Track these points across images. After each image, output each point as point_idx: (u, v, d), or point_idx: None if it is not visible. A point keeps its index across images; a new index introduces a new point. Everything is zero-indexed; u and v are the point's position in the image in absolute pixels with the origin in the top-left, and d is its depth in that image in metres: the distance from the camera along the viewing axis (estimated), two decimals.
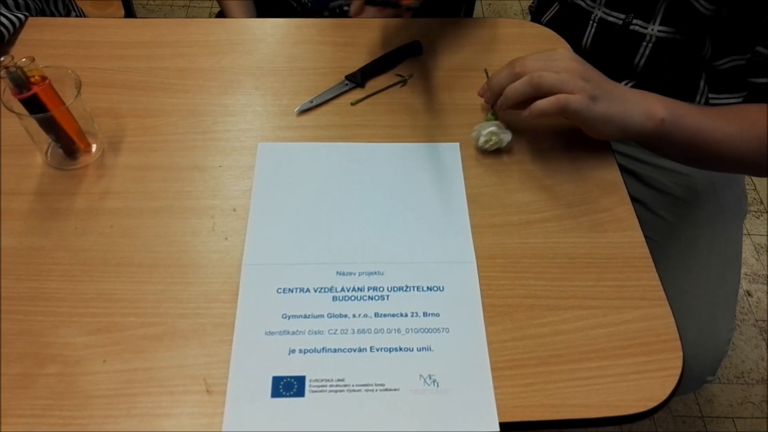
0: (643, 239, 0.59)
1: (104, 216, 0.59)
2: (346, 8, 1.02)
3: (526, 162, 0.65)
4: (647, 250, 0.58)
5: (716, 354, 0.73)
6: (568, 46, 0.76)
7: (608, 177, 0.64)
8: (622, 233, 0.59)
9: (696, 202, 0.82)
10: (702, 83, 0.79)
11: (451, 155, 0.65)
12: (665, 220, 0.83)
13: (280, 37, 0.77)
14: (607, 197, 0.62)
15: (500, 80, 0.63)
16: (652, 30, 0.75)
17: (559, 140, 0.67)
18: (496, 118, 0.66)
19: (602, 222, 0.60)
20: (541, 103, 0.59)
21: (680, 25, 0.75)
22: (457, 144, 0.66)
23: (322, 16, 1.02)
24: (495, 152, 0.65)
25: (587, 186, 0.63)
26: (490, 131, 0.64)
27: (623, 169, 0.87)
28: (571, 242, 0.58)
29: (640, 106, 0.60)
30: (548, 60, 0.61)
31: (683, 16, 0.73)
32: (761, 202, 1.56)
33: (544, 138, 0.67)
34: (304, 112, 0.68)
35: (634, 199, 0.85)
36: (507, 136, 0.64)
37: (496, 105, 0.64)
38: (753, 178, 1.60)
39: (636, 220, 0.61)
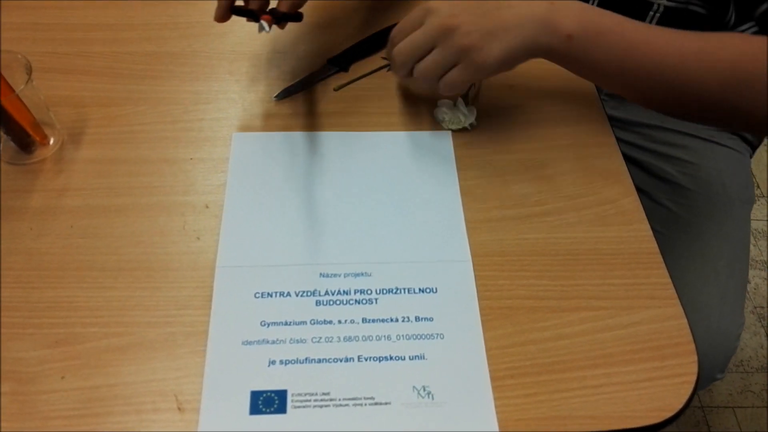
0: (651, 233, 0.55)
1: (63, 215, 0.53)
2: None
3: (524, 151, 0.60)
4: (656, 245, 0.54)
5: (726, 351, 0.69)
6: None
7: (611, 166, 0.60)
8: (629, 227, 0.55)
9: (702, 191, 0.78)
10: None
11: (443, 144, 0.60)
12: (670, 210, 0.78)
13: None
14: (611, 188, 0.58)
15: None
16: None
17: (559, 127, 0.62)
18: (465, 97, 0.63)
19: (607, 215, 0.56)
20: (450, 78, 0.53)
21: None
22: (449, 132, 0.61)
23: None
24: (491, 140, 0.60)
25: (589, 176, 0.58)
26: (443, 111, 0.61)
27: (625, 158, 0.84)
28: (574, 237, 0.54)
29: (537, 21, 0.52)
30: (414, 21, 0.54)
31: None
32: (757, 187, 1.54)
33: (540, 124, 0.62)
34: (282, 99, 0.63)
35: (638, 189, 0.81)
36: (465, 117, 0.61)
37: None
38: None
39: (642, 212, 0.56)
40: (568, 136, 0.61)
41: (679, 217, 0.78)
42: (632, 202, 0.57)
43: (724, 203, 0.77)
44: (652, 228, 0.56)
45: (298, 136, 0.60)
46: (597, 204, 0.56)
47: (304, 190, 0.56)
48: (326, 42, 0.68)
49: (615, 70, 0.54)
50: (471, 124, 0.61)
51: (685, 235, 0.76)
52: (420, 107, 0.63)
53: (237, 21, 0.70)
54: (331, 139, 0.60)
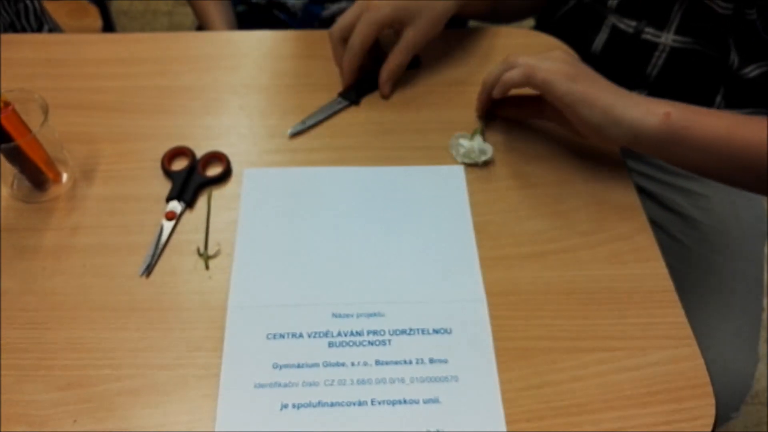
0: (666, 271, 0.54)
1: (76, 254, 0.53)
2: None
3: (536, 186, 0.60)
4: (671, 283, 0.54)
5: (742, 390, 0.68)
6: (570, 50, 0.70)
7: (625, 200, 0.59)
8: (644, 264, 0.55)
9: (716, 224, 0.77)
10: (719, 98, 0.73)
11: (456, 179, 0.60)
12: (683, 244, 0.78)
13: (266, 51, 0.72)
14: (625, 223, 0.57)
15: (492, 73, 0.61)
16: (666, 39, 0.71)
17: (570, 160, 0.62)
18: (483, 133, 0.63)
19: (621, 252, 0.55)
20: (508, 74, 0.58)
21: (699, 34, 0.70)
22: (461, 166, 0.61)
23: (312, 27, 0.96)
24: (504, 175, 0.60)
25: (603, 211, 0.58)
26: (459, 143, 0.61)
27: (637, 189, 0.83)
28: (589, 275, 0.54)
29: (637, 101, 0.53)
30: (542, 55, 0.58)
31: (701, 21, 0.68)
32: None
33: (554, 158, 0.62)
34: (296, 135, 0.63)
35: (650, 222, 0.81)
36: (481, 151, 0.61)
37: (493, 93, 0.61)
38: None
39: (657, 248, 0.56)
40: (582, 171, 0.61)
41: (692, 251, 0.77)
42: (647, 239, 0.56)
43: (737, 237, 0.76)
44: (665, 262, 0.55)
45: (310, 172, 0.60)
46: (611, 240, 0.56)
47: (316, 228, 0.56)
48: (337, 75, 0.69)
49: (708, 152, 0.54)
50: (485, 161, 0.61)
51: (697, 270, 0.75)
52: (431, 142, 0.63)
53: (247, 53, 0.70)
54: (342, 175, 0.60)
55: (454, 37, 0.74)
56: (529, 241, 0.56)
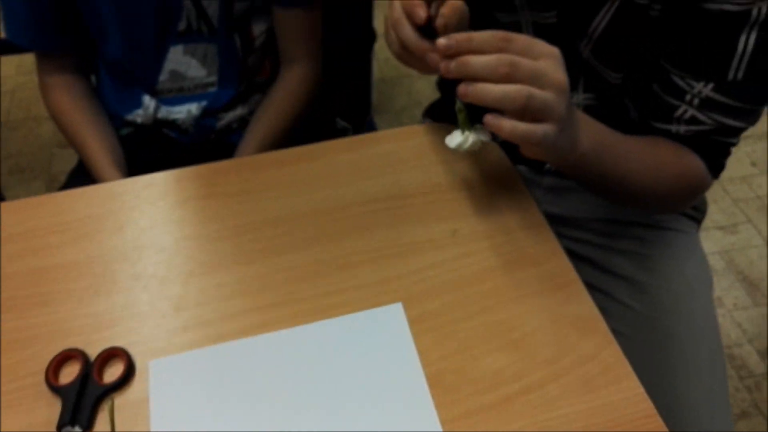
0: (642, 389, 0.49)
1: None
2: (235, 128, 0.89)
3: (482, 313, 0.54)
4: (650, 404, 0.48)
5: None
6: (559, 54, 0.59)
7: (582, 311, 0.54)
8: (617, 386, 0.49)
9: (663, 284, 0.74)
10: None
11: (396, 321, 0.53)
12: (632, 309, 0.74)
13: (157, 197, 0.63)
14: (587, 339, 0.52)
15: (478, 41, 0.50)
16: (578, 99, 0.72)
17: (508, 266, 0.57)
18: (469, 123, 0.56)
19: (591, 376, 0.50)
20: (501, 90, 0.49)
21: (600, 94, 0.72)
22: (399, 304, 0.54)
23: (207, 141, 0.88)
24: (444, 307, 0.54)
25: (562, 329, 0.53)
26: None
27: (575, 255, 0.80)
28: (563, 416, 0.48)
29: (572, 137, 0.54)
30: (540, 74, 0.50)
31: (599, 86, 0.71)
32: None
33: (491, 270, 0.56)
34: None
35: (594, 288, 0.77)
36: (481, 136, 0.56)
37: (447, 67, 0.51)
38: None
39: (626, 362, 0.51)
40: (522, 277, 0.56)
41: (644, 315, 0.74)
42: (613, 354, 0.51)
43: (686, 294, 0.74)
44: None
45: (229, 348, 0.51)
46: (578, 365, 0.50)
47: (245, 413, 0.47)
48: (241, 214, 0.61)
49: (600, 181, 0.63)
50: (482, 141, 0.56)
51: (654, 336, 0.72)
52: (364, 277, 0.56)
53: (135, 206, 0.61)
54: (267, 343, 0.52)
55: (360, 144, 0.68)
56: (491, 385, 0.49)
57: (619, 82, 0.69)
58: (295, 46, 0.85)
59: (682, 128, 0.64)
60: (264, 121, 0.85)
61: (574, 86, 0.73)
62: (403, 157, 0.66)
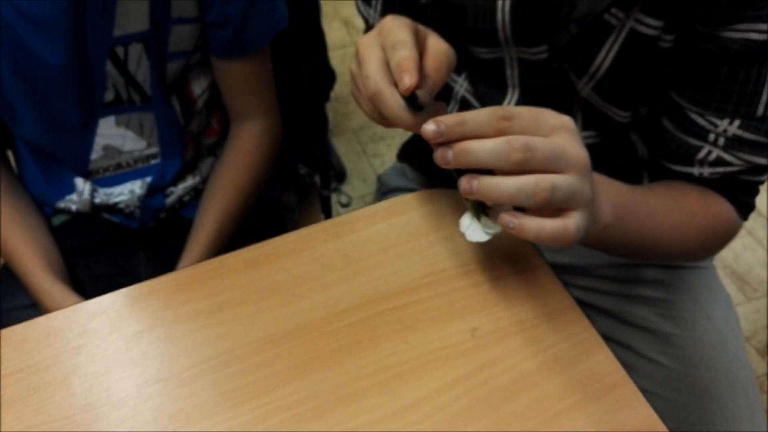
0: None
1: None
2: (187, 200, 0.77)
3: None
4: None
5: None
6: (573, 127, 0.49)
7: (638, 418, 0.46)
8: None
9: (687, 332, 0.67)
10: (645, 183, 0.66)
11: None
12: (660, 365, 0.67)
13: (108, 329, 0.51)
14: None
15: (473, 123, 0.42)
16: None
17: (547, 380, 0.48)
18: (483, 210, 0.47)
19: None
20: (513, 183, 0.40)
21: (603, 131, 0.64)
22: None
23: (155, 222, 0.76)
24: None
25: None
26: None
27: (588, 306, 0.72)
28: None
29: (594, 211, 0.46)
30: (558, 157, 0.41)
31: (602, 123, 0.63)
32: None
33: (529, 384, 0.48)
34: None
35: (616, 342, 0.70)
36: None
37: (445, 158, 0.42)
38: None
39: None
40: (562, 381, 0.47)
41: (675, 372, 0.67)
42: None
43: (717, 344, 0.67)
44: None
45: None
46: None
47: None
48: (213, 340, 0.50)
49: (628, 248, 0.56)
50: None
51: (690, 396, 0.65)
52: (372, 411, 0.46)
53: (82, 347, 0.49)
54: None
55: (345, 228, 0.58)
56: None
57: (627, 120, 0.61)
58: (245, 101, 0.74)
59: (707, 171, 0.57)
60: (219, 193, 0.74)
61: None
62: (396, 239, 0.56)
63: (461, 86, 0.70)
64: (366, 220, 0.58)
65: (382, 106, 0.47)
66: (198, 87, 0.72)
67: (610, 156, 0.65)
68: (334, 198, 1.03)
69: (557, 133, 0.42)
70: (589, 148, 0.45)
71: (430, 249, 0.56)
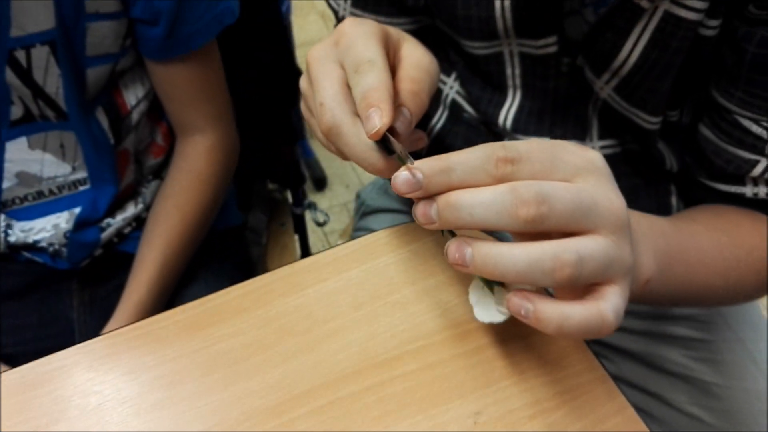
0: None
1: None
2: (128, 233, 0.65)
3: None
4: None
5: None
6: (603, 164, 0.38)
7: None
8: None
9: (730, 380, 0.56)
10: (674, 200, 0.55)
11: None
12: (700, 420, 0.56)
13: None
14: None
15: (463, 168, 0.30)
16: (593, 147, 0.53)
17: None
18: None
19: None
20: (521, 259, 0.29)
21: (625, 140, 0.54)
22: None
23: (88, 260, 0.63)
24: None
25: None
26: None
27: (613, 349, 0.61)
28: None
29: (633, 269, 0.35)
30: (555, 161, 0.31)
31: (624, 130, 0.52)
32: None
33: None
34: None
35: (643, 391, 0.58)
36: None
37: (427, 216, 0.31)
38: None
39: None
40: None
41: (718, 429, 0.55)
42: None
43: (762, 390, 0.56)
44: None
45: None
46: None
47: None
48: None
49: (677, 298, 0.47)
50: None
51: None
52: None
53: None
54: None
55: (316, 272, 0.45)
56: None
57: (655, 127, 0.49)
58: (190, 112, 0.61)
59: (763, 190, 0.45)
60: (162, 223, 0.61)
61: (583, 133, 0.53)
62: (374, 291, 0.44)
63: (451, 88, 0.58)
64: (335, 265, 0.45)
65: (342, 144, 0.36)
66: (132, 96, 0.60)
67: (632, 170, 0.54)
68: (308, 216, 0.91)
69: (582, 177, 0.30)
70: (608, 159, 0.33)
71: (417, 303, 0.43)
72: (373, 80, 0.34)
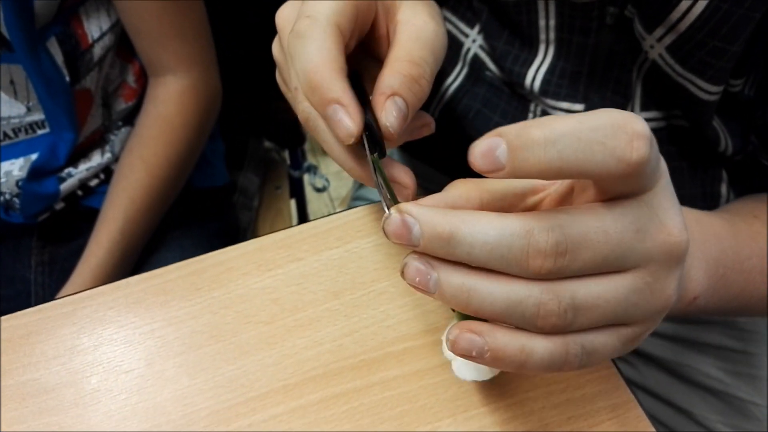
0: None
1: None
2: (95, 186, 0.57)
3: None
4: None
5: None
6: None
7: None
8: None
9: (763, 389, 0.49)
10: (723, 188, 0.47)
11: None
12: None
13: None
14: None
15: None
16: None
17: None
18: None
19: None
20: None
21: (672, 114, 0.45)
22: None
23: (51, 211, 0.56)
24: None
25: None
26: None
27: (638, 354, 0.53)
28: None
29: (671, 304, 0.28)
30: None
31: (672, 101, 0.44)
32: None
33: None
34: None
35: (671, 406, 0.51)
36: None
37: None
38: None
39: None
40: None
41: None
42: None
43: None
44: None
45: None
46: None
47: None
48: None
49: (728, 311, 0.39)
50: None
51: None
52: None
53: None
54: None
55: (296, 246, 0.38)
56: None
57: (713, 98, 0.41)
58: (160, 50, 0.53)
59: None
60: (126, 176, 0.53)
61: (624, 102, 0.45)
62: (361, 275, 0.36)
63: (473, 42, 0.49)
64: (312, 242, 0.38)
65: (320, 140, 0.30)
66: (95, 28, 0.51)
67: (677, 151, 0.46)
68: (306, 179, 0.83)
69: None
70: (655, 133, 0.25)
71: (408, 294, 0.36)
72: (311, 53, 0.27)
